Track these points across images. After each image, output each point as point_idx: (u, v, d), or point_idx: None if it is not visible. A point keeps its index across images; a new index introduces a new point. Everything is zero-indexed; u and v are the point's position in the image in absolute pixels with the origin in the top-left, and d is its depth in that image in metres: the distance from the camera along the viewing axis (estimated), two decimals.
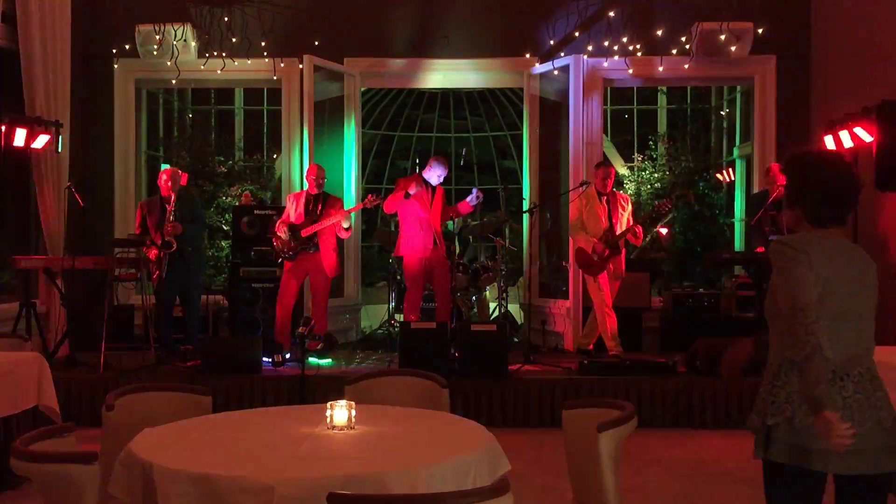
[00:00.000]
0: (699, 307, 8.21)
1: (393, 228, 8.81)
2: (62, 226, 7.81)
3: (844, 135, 6.89)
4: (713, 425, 6.43)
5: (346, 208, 7.51)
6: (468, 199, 7.62)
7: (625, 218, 7.29)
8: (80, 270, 7.02)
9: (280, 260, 7.30)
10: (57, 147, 7.57)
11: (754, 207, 7.55)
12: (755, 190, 8.62)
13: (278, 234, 7.20)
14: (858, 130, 6.69)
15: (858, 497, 2.57)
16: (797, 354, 2.42)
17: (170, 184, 7.26)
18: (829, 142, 7.16)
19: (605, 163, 7.86)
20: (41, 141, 7.35)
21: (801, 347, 2.40)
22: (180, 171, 7.55)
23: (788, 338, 2.45)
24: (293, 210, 7.29)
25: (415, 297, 7.63)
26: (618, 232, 7.24)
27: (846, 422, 2.37)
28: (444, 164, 7.69)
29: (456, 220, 8.33)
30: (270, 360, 7.04)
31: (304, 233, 7.15)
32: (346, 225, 7.16)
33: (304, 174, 7.65)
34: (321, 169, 7.39)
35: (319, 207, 7.24)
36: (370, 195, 7.35)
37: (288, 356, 7.12)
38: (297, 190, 8.39)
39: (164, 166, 9.39)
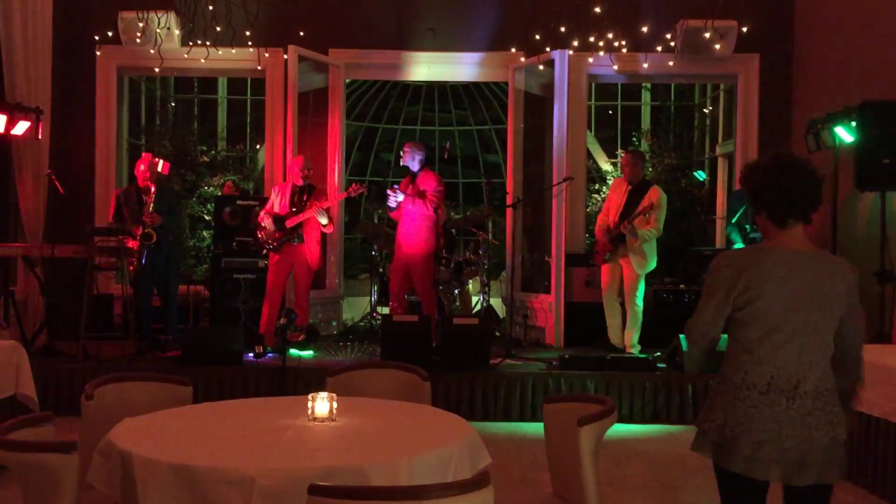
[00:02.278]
0: (680, 303, 8.26)
1: (376, 221, 8.79)
2: (41, 213, 7.74)
3: (826, 134, 6.95)
4: (692, 421, 6.47)
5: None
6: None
7: (648, 216, 6.99)
8: (59, 259, 6.96)
9: (265, 251, 7.27)
10: (37, 134, 7.50)
11: (734, 205, 7.61)
12: (736, 188, 8.67)
13: (262, 224, 7.16)
14: (839, 130, 6.75)
15: None
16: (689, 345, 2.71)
17: (147, 173, 7.20)
18: (811, 141, 7.22)
19: (634, 150, 7.67)
20: (21, 127, 7.27)
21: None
22: (160, 160, 7.49)
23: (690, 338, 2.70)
24: (278, 201, 7.26)
25: (392, 290, 7.58)
26: (619, 224, 7.13)
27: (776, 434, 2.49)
28: (414, 146, 7.50)
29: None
30: (252, 351, 7.02)
31: (289, 223, 7.12)
32: (323, 221, 7.10)
33: (289, 165, 7.60)
34: (308, 160, 7.35)
35: (305, 198, 7.21)
36: (354, 184, 7.31)
37: (269, 349, 7.09)
38: (280, 180, 8.36)
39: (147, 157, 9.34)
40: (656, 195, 7.06)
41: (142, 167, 7.28)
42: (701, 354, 2.66)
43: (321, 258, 7.46)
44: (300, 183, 7.24)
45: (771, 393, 2.53)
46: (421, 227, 7.34)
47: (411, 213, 7.35)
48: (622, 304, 7.33)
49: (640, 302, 7.22)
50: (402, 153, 7.55)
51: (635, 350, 7.25)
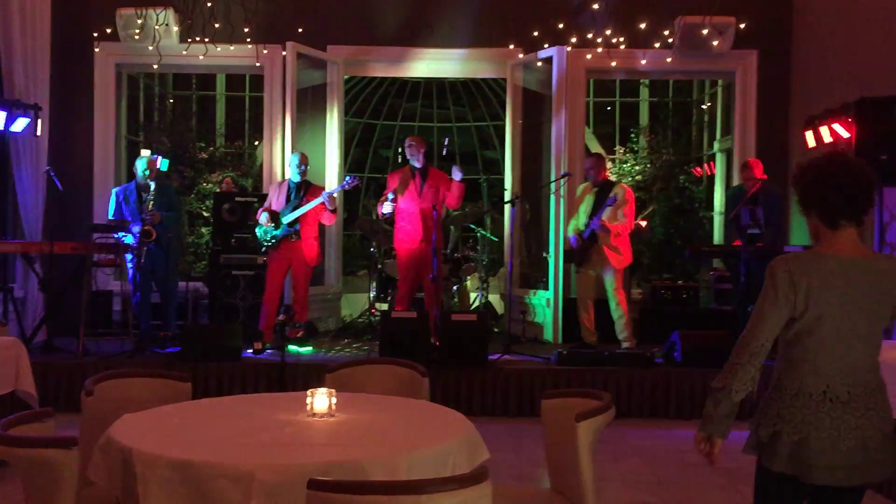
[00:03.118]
0: (678, 299, 8.28)
1: (375, 219, 8.79)
2: (40, 210, 7.75)
3: (823, 130, 6.96)
4: (690, 416, 6.49)
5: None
6: (453, 175, 7.22)
7: (608, 213, 7.11)
8: (58, 255, 6.97)
9: (263, 248, 7.27)
10: (36, 130, 7.50)
11: (732, 201, 7.62)
12: (735, 184, 8.69)
13: (261, 222, 7.18)
14: (837, 126, 6.76)
15: None
16: (717, 381, 2.59)
17: (148, 172, 7.21)
18: (809, 137, 7.24)
19: (596, 154, 7.82)
20: (20, 124, 7.27)
21: (721, 379, 2.58)
22: (157, 157, 7.50)
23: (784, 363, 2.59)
24: (275, 198, 7.27)
25: (402, 292, 7.47)
26: (590, 224, 7.24)
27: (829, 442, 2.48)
28: (416, 140, 7.45)
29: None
30: (250, 347, 7.03)
31: (286, 220, 7.12)
32: (331, 207, 7.08)
33: (288, 161, 7.59)
34: (304, 156, 7.36)
35: (302, 194, 7.22)
36: (348, 177, 7.28)
37: (268, 345, 7.11)
38: (279, 177, 8.37)
39: (145, 151, 9.33)
40: (623, 191, 7.21)
41: (141, 165, 7.28)
42: (753, 371, 2.53)
43: (320, 254, 7.46)
44: (297, 180, 7.25)
45: (827, 401, 2.50)
46: (435, 221, 7.21)
47: (427, 208, 7.25)
48: (595, 304, 7.38)
49: (616, 296, 7.26)
50: (408, 146, 7.40)
51: (630, 344, 7.29)
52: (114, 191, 7.53)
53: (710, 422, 2.60)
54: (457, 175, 7.17)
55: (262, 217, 7.14)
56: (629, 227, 7.26)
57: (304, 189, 7.25)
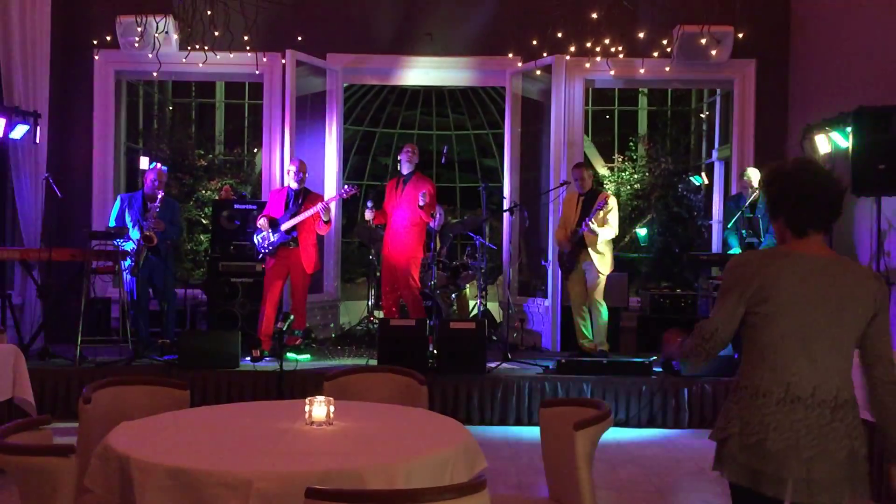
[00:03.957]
0: (676, 308, 8.28)
1: (373, 226, 8.80)
2: (39, 217, 7.75)
3: (821, 139, 6.98)
4: (688, 425, 6.49)
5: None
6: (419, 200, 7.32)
7: (601, 216, 7.20)
8: (56, 262, 6.97)
9: (260, 256, 7.28)
10: (35, 137, 7.51)
11: (731, 210, 7.64)
12: (733, 192, 8.71)
13: (260, 228, 7.18)
14: (835, 135, 6.78)
15: None
16: (681, 351, 2.64)
17: (157, 183, 7.23)
18: (807, 146, 7.25)
19: (579, 164, 7.90)
20: (19, 131, 7.29)
21: (681, 353, 2.63)
22: (165, 168, 7.54)
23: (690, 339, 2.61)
24: (274, 205, 7.28)
25: (384, 298, 7.64)
26: (579, 231, 7.29)
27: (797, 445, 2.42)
28: (403, 149, 7.61)
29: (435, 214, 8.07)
30: (248, 355, 7.03)
31: (283, 227, 7.13)
32: (325, 218, 7.12)
33: (286, 169, 7.60)
34: (303, 164, 7.37)
35: (300, 202, 7.22)
36: (346, 186, 7.34)
37: (266, 352, 7.10)
38: (278, 184, 8.38)
39: (145, 160, 9.34)
40: (608, 197, 7.27)
41: (151, 176, 7.31)
42: (705, 355, 2.56)
43: (318, 262, 7.46)
44: (295, 187, 7.26)
45: (787, 401, 2.44)
46: (412, 227, 7.39)
47: (405, 215, 7.37)
48: (589, 310, 7.41)
49: (603, 301, 7.31)
50: (405, 151, 7.51)
51: (605, 348, 7.34)
52: (119, 196, 7.56)
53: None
54: (420, 201, 7.28)
55: (261, 222, 7.15)
56: (614, 234, 7.31)
57: (303, 196, 7.26)
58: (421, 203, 7.28)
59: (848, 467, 2.44)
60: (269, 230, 7.13)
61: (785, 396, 2.45)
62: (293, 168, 7.28)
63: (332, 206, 7.37)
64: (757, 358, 2.51)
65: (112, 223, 7.32)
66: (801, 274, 2.47)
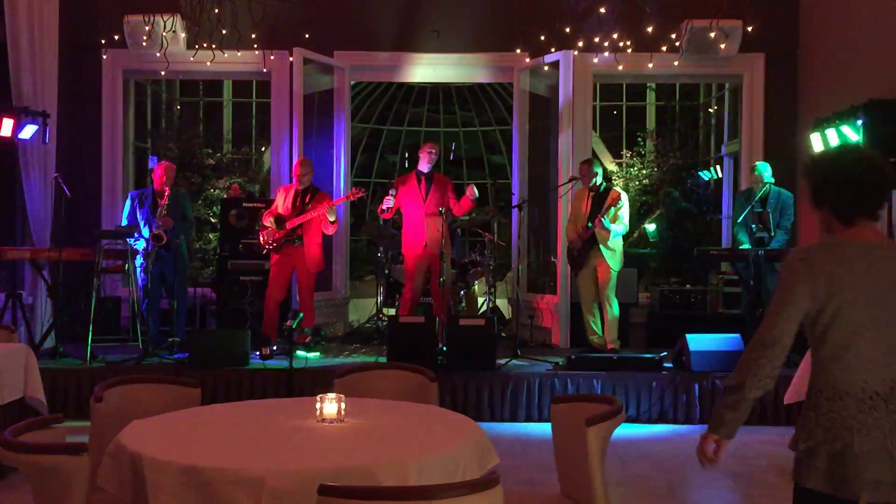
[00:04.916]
0: (686, 303, 8.26)
1: (382, 223, 8.79)
2: (49, 217, 7.77)
3: (831, 133, 6.94)
4: (699, 420, 6.47)
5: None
6: (467, 194, 7.31)
7: (612, 213, 7.20)
8: (66, 262, 6.99)
9: (265, 251, 7.28)
10: (44, 137, 7.53)
11: (740, 205, 7.60)
12: (742, 187, 8.67)
13: (265, 224, 7.19)
14: (845, 129, 6.74)
15: None
16: (730, 378, 2.42)
17: (164, 178, 7.24)
18: (816, 140, 7.21)
19: (587, 159, 7.88)
20: (28, 131, 7.30)
21: (735, 376, 2.40)
22: (171, 164, 7.54)
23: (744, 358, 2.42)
24: (282, 202, 7.29)
25: (406, 297, 7.51)
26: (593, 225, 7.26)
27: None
28: (422, 146, 7.55)
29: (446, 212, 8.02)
30: (258, 352, 7.04)
31: (289, 224, 7.13)
32: (331, 218, 7.10)
33: (292, 168, 7.59)
34: (308, 163, 7.37)
35: (307, 200, 7.22)
36: (354, 188, 7.33)
37: (275, 348, 7.12)
38: (285, 182, 8.37)
39: (153, 158, 9.36)
40: (619, 194, 7.24)
41: (159, 171, 7.32)
42: (773, 369, 2.34)
43: (322, 261, 7.43)
44: (301, 186, 7.25)
45: (867, 399, 2.29)
46: (443, 226, 7.27)
47: (431, 213, 7.31)
48: (599, 306, 7.38)
49: (615, 299, 7.29)
50: (429, 152, 7.43)
51: (616, 346, 7.30)
52: (130, 194, 7.58)
53: (722, 422, 2.42)
54: (472, 193, 7.24)
55: (268, 221, 7.16)
56: (624, 230, 7.32)
57: (311, 195, 7.26)
58: (475, 196, 7.23)
59: None
60: (275, 227, 7.13)
61: (863, 395, 2.31)
62: (297, 169, 7.28)
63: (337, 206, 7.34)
64: (828, 358, 2.35)
65: (124, 222, 7.34)
66: (866, 263, 2.33)
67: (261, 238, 7.24)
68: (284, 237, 7.14)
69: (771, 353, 2.36)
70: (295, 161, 7.54)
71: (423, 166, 7.40)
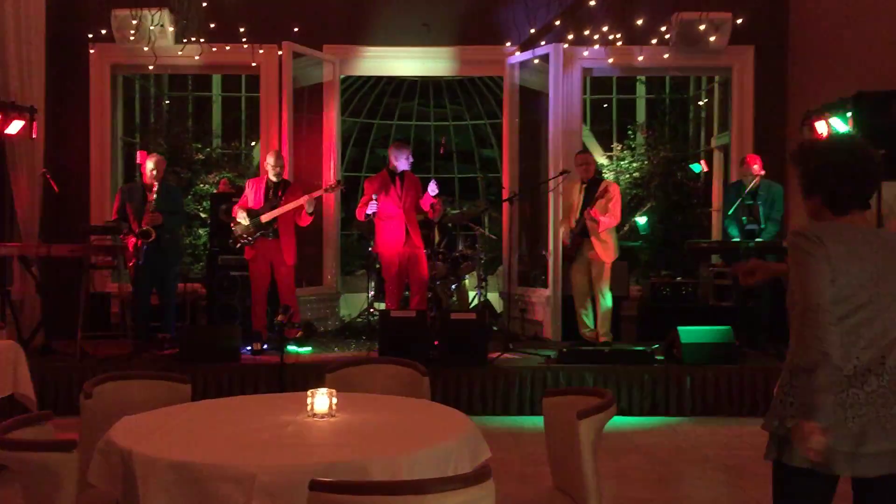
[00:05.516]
0: (677, 296, 8.27)
1: (365, 219, 8.78)
2: (37, 212, 7.72)
3: (821, 125, 6.95)
4: (690, 413, 6.49)
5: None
6: (429, 189, 7.28)
7: (607, 205, 7.22)
8: (55, 258, 6.95)
9: (239, 245, 7.19)
10: (31, 133, 7.47)
11: (730, 197, 7.62)
12: (732, 179, 8.69)
13: (237, 219, 7.11)
14: (834, 121, 6.75)
15: (880, 499, 2.42)
16: (804, 359, 2.32)
17: (154, 172, 7.18)
18: (806, 132, 7.22)
19: (582, 150, 7.89)
20: (15, 126, 7.25)
21: (809, 353, 2.30)
22: (161, 157, 7.48)
23: (797, 340, 2.36)
24: (252, 195, 7.20)
25: (390, 292, 7.53)
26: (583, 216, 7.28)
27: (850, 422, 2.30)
28: (400, 146, 7.52)
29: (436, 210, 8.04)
30: (249, 348, 7.02)
31: (264, 218, 7.06)
32: (310, 210, 7.05)
33: (262, 160, 7.45)
34: (279, 155, 7.32)
35: (280, 193, 7.17)
36: (330, 183, 7.29)
37: (266, 347, 7.09)
38: (275, 177, 8.30)
39: (142, 154, 9.30)
40: (611, 186, 7.28)
41: (148, 165, 7.26)
42: (834, 328, 2.29)
43: (296, 252, 7.38)
44: (273, 179, 7.20)
45: (859, 375, 2.34)
46: (406, 225, 7.31)
47: (409, 210, 7.33)
48: (592, 299, 7.40)
49: (609, 291, 7.31)
50: (408, 158, 7.41)
51: (608, 338, 7.32)
52: (120, 188, 7.53)
53: (818, 407, 2.28)
54: (432, 189, 7.23)
55: (241, 216, 7.08)
56: (616, 221, 7.33)
57: (283, 188, 7.22)
58: (434, 192, 7.24)
59: None
60: (248, 220, 7.05)
61: (855, 372, 2.35)
62: (271, 160, 7.22)
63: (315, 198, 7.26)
64: (830, 334, 2.34)
65: (116, 215, 7.31)
66: (868, 246, 2.38)
67: (234, 232, 7.15)
68: (259, 230, 7.06)
69: (823, 315, 2.31)
70: (268, 153, 7.38)
71: (400, 166, 7.39)
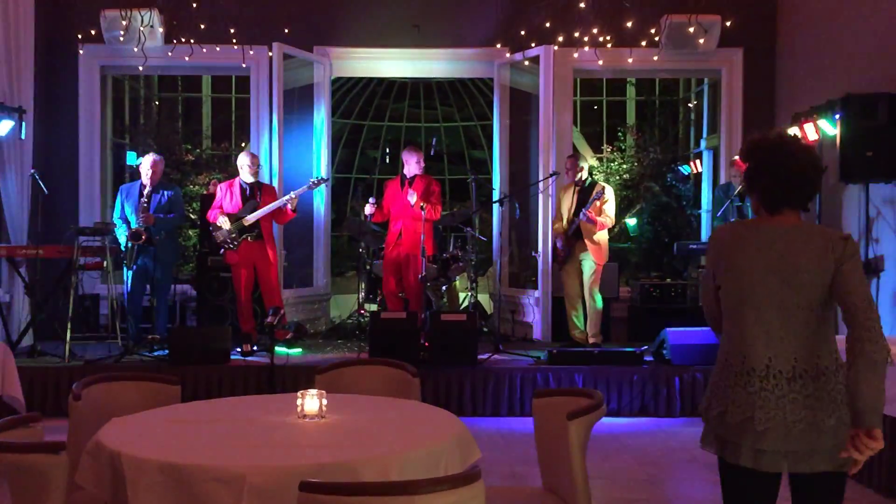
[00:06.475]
0: (666, 297, 8.30)
1: (362, 219, 8.77)
2: (26, 213, 7.69)
3: (809, 127, 7.00)
4: (679, 413, 6.51)
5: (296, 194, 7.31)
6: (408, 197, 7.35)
7: (598, 206, 7.22)
8: (44, 259, 6.92)
9: (222, 251, 7.13)
10: (20, 133, 7.44)
11: (720, 199, 7.65)
12: (722, 181, 8.73)
13: (219, 224, 7.01)
14: (822, 123, 6.79)
15: (810, 496, 2.49)
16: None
17: (150, 172, 7.15)
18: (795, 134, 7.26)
19: (572, 154, 7.91)
20: (4, 127, 7.22)
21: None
22: (160, 158, 7.46)
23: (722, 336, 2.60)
24: (228, 199, 7.11)
25: (386, 293, 7.59)
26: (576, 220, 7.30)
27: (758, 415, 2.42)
28: (409, 150, 7.57)
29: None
30: (238, 349, 7.00)
31: (248, 220, 7.00)
32: (293, 207, 7.04)
33: (238, 162, 7.38)
34: (256, 157, 7.30)
35: (257, 195, 7.14)
36: (313, 179, 7.28)
37: (255, 349, 7.07)
38: (266, 178, 8.30)
39: (131, 154, 9.28)
40: (604, 188, 7.32)
41: (146, 166, 7.22)
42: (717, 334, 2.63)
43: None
44: (250, 180, 7.17)
45: (744, 373, 2.44)
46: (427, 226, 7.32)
47: (412, 213, 7.33)
48: (583, 300, 7.42)
49: (598, 293, 7.34)
50: (419, 162, 7.44)
51: (598, 340, 7.36)
52: (120, 188, 7.50)
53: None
54: (411, 198, 7.27)
55: (221, 220, 6.99)
56: (611, 223, 7.39)
57: (259, 189, 7.19)
58: (413, 202, 7.29)
59: (807, 439, 2.39)
60: (230, 224, 7.01)
61: (741, 368, 2.45)
62: (247, 161, 7.13)
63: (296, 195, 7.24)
64: (724, 330, 2.56)
65: (116, 216, 7.30)
66: (760, 243, 2.47)
67: (215, 237, 7.06)
68: (243, 233, 7.02)
69: (712, 324, 2.66)
70: (244, 155, 7.26)
71: (409, 171, 7.44)
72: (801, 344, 2.42)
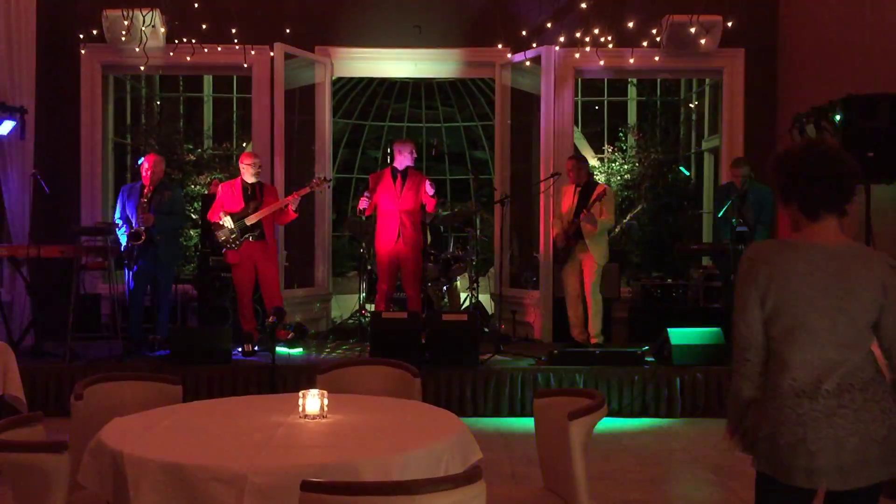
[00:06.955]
0: (668, 297, 8.30)
1: (363, 219, 8.78)
2: (27, 213, 7.69)
3: (810, 128, 6.99)
4: (680, 414, 6.51)
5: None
6: (426, 189, 7.35)
7: (600, 207, 7.21)
8: (45, 259, 6.91)
9: (223, 250, 7.12)
10: (22, 133, 7.45)
11: (721, 199, 7.65)
12: (722, 182, 8.72)
13: (222, 224, 7.01)
14: (824, 124, 6.78)
15: None
16: (731, 384, 2.56)
17: (150, 172, 7.13)
18: (796, 135, 7.25)
19: (574, 155, 7.92)
20: (6, 127, 7.23)
21: (733, 381, 2.55)
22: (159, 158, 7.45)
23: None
24: (229, 200, 7.07)
25: (381, 290, 7.52)
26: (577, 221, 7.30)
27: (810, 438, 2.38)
28: (405, 144, 7.52)
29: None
30: (240, 349, 7.01)
31: (250, 220, 7.00)
32: (294, 207, 7.05)
33: (240, 161, 7.36)
34: (257, 157, 7.30)
35: (259, 194, 7.11)
36: (315, 179, 7.28)
37: (257, 349, 7.07)
38: (266, 178, 8.28)
39: (130, 152, 9.28)
40: (605, 189, 7.34)
41: (146, 165, 7.22)
42: (759, 363, 2.47)
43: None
44: (251, 180, 7.14)
45: (793, 395, 2.40)
46: (401, 223, 7.33)
47: (406, 209, 7.32)
48: (584, 300, 7.43)
49: (600, 292, 7.35)
50: (412, 153, 7.43)
51: (599, 340, 7.34)
52: (122, 188, 7.50)
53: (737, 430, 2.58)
54: (429, 190, 7.28)
55: (226, 220, 6.99)
56: (611, 224, 7.44)
57: (261, 189, 7.19)
58: (431, 192, 7.29)
59: (880, 446, 2.38)
60: (233, 224, 7.01)
61: (791, 391, 2.41)
62: (249, 161, 7.12)
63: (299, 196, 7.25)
64: (772, 353, 2.46)
65: (117, 216, 7.29)
66: (808, 265, 2.41)
67: (218, 237, 7.04)
68: (245, 233, 7.01)
69: (751, 351, 2.48)
70: (245, 155, 7.26)
71: (400, 163, 7.39)
72: (850, 361, 2.42)
